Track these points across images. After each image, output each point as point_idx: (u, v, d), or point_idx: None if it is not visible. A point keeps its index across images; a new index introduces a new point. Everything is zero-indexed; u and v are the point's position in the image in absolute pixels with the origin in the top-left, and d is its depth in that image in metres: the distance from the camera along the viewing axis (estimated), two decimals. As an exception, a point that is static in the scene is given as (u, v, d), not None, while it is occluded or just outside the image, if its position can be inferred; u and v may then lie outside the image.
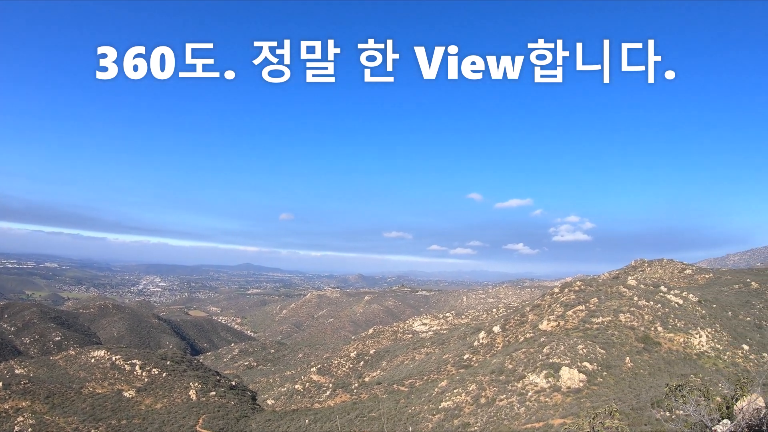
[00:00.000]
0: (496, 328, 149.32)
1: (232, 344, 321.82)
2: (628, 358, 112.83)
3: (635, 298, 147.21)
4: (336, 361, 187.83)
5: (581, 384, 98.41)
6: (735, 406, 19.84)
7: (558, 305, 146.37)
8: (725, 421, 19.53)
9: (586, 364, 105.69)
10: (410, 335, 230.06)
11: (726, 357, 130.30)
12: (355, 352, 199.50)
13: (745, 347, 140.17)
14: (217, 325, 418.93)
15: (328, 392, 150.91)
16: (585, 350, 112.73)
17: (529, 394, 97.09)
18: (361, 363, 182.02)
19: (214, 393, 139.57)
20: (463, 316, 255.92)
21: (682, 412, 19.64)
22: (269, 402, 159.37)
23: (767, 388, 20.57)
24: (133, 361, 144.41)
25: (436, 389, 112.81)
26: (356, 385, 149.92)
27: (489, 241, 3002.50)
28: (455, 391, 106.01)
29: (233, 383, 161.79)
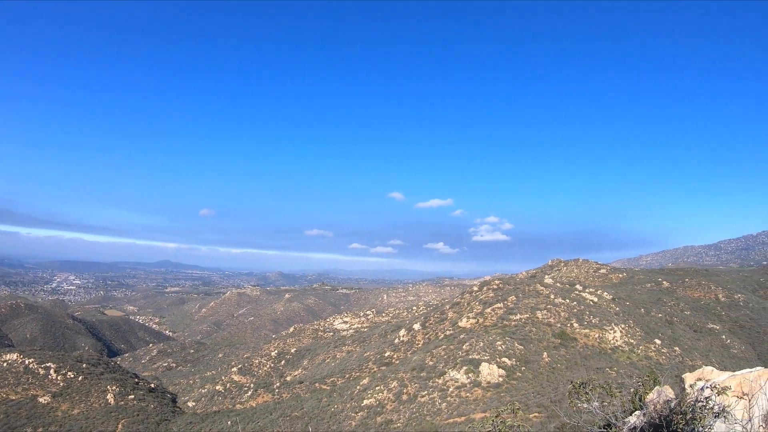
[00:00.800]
0: (417, 326, 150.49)
1: (151, 345, 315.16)
2: (545, 353, 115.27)
3: (552, 296, 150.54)
4: (257, 361, 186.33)
5: (501, 379, 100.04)
6: (646, 398, 20.87)
7: (477, 303, 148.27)
8: (637, 412, 20.53)
9: (505, 359, 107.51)
10: (331, 333, 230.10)
11: (639, 351, 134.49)
12: (276, 351, 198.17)
13: (657, 342, 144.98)
14: (135, 324, 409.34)
15: (250, 392, 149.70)
16: (504, 346, 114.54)
17: (450, 389, 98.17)
18: (283, 362, 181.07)
19: (132, 396, 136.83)
20: (383, 314, 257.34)
21: (586, 407, 20.39)
22: (190, 404, 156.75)
23: (678, 379, 21.58)
24: (48, 365, 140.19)
25: (358, 387, 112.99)
26: (278, 384, 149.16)
27: (409, 240, 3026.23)
28: (377, 388, 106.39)
29: (152, 386, 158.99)
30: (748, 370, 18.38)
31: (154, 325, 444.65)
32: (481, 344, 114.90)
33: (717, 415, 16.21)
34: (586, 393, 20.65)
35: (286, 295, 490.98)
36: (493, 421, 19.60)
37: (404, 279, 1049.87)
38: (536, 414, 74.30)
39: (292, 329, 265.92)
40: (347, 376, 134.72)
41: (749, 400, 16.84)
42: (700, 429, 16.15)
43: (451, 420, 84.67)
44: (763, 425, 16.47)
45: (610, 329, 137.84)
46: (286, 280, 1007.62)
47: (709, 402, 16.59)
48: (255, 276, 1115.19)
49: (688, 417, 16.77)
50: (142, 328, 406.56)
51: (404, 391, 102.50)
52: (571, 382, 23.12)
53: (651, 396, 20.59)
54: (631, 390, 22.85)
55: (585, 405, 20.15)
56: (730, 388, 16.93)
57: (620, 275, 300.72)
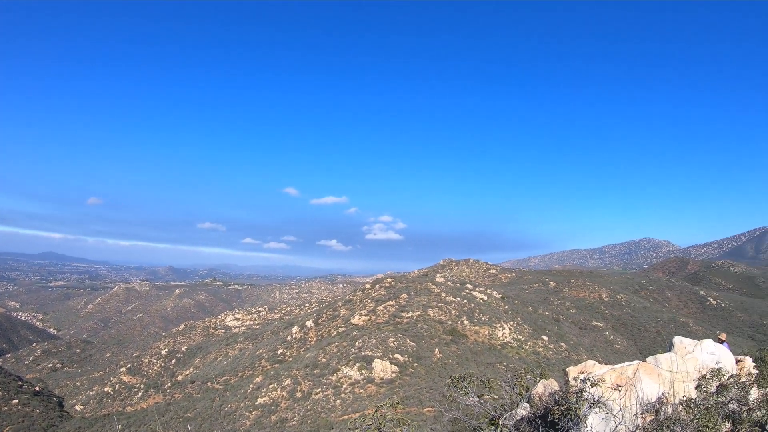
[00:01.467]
0: (309, 323, 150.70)
1: (34, 344, 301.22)
2: (437, 349, 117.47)
3: (443, 295, 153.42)
4: (147, 360, 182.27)
5: (394, 375, 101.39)
6: (533, 391, 22.00)
7: (370, 301, 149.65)
8: (524, 404, 21.64)
9: (398, 356, 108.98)
10: (223, 330, 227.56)
11: (528, 347, 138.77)
12: (167, 350, 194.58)
13: (545, 338, 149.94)
14: (17, 322, 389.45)
15: (140, 394, 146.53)
16: (396, 343, 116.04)
17: (344, 386, 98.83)
18: (173, 361, 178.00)
19: (16, 401, 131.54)
20: (276, 311, 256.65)
21: (465, 401, 21.13)
22: (78, 408, 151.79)
23: (563, 373, 22.78)
24: None
25: (252, 385, 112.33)
26: (169, 384, 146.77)
27: (303, 236, 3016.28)
28: (271, 386, 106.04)
29: (37, 389, 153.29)
30: (627, 363, 19.70)
31: (38, 323, 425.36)
32: (374, 341, 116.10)
33: (591, 406, 17.31)
34: (465, 387, 21.43)
35: (177, 291, 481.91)
36: (373, 415, 20.19)
37: (297, 276, 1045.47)
38: (429, 408, 75.89)
39: (182, 326, 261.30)
40: (240, 374, 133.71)
41: (624, 391, 18.10)
42: (575, 418, 17.22)
43: (345, 416, 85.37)
44: (642, 414, 17.75)
45: (500, 326, 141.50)
46: (177, 275, 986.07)
47: (583, 393, 17.71)
48: (144, 270, 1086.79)
49: (563, 408, 17.87)
50: (24, 326, 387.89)
51: (298, 388, 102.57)
52: (450, 377, 23.97)
53: (538, 389, 21.74)
54: (522, 383, 23.97)
55: (463, 398, 20.96)
56: (604, 381, 18.14)
57: (509, 275, 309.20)
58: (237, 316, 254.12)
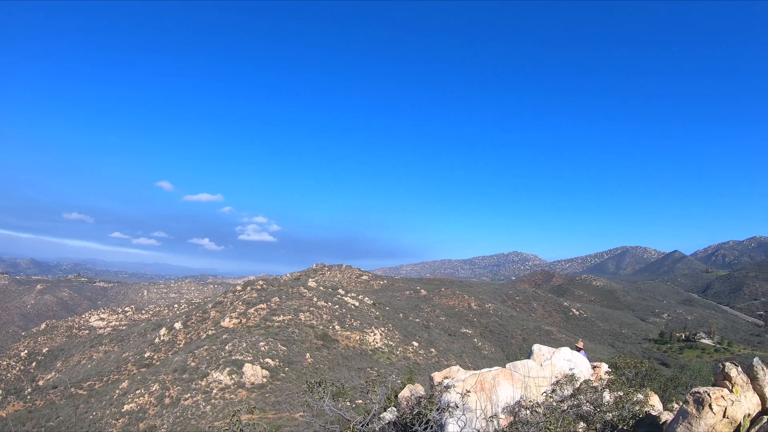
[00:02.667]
0: (178, 325, 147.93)
1: None
2: (308, 354, 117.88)
3: (315, 299, 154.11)
4: (4, 363, 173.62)
5: (265, 380, 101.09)
6: (400, 395, 22.77)
7: (240, 303, 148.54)
8: (391, 408, 22.38)
9: (269, 360, 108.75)
10: (87, 331, 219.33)
11: (398, 352, 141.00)
12: (26, 351, 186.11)
13: (415, 344, 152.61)
14: None
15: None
16: (267, 347, 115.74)
17: (214, 391, 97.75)
18: (34, 364, 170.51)
19: None
20: (143, 312, 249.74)
21: (324, 407, 21.51)
22: None
23: (429, 378, 23.68)
24: None
25: (118, 391, 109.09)
26: (29, 390, 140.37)
27: (175, 233, 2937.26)
28: (138, 392, 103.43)
29: None
30: (487, 369, 20.77)
31: None
32: (244, 345, 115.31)
33: (441, 410, 18.21)
34: (320, 392, 21.84)
35: (39, 286, 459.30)
36: (230, 420, 20.41)
37: (167, 274, 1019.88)
38: (301, 414, 76.13)
39: (44, 326, 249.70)
40: (105, 379, 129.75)
41: (484, 395, 19.09)
42: (428, 421, 18.08)
43: (217, 423, 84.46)
44: (499, 417, 18.75)
45: (371, 332, 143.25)
46: (39, 269, 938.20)
47: (434, 398, 18.66)
48: (3, 262, 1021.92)
49: (414, 412, 18.77)
50: None
51: (166, 394, 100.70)
52: (306, 382, 24.36)
53: (404, 393, 22.54)
54: (391, 387, 24.70)
55: (318, 403, 21.37)
56: (454, 386, 19.10)
57: (381, 282, 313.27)
58: (102, 315, 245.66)
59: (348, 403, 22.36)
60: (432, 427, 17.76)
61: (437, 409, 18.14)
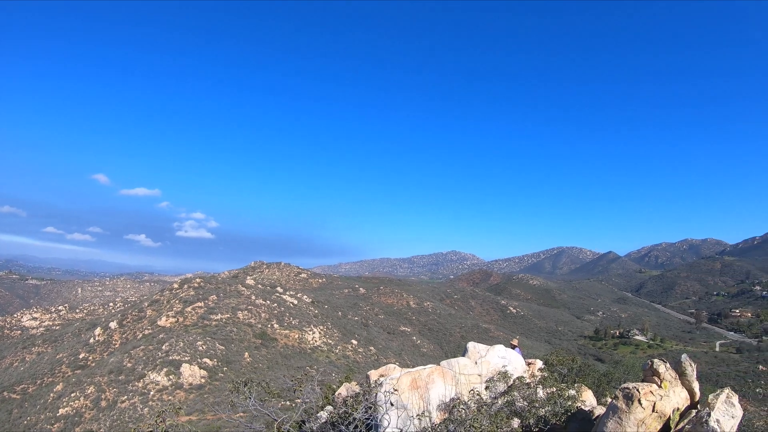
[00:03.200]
0: (114, 324, 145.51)
1: None
2: (247, 353, 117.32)
3: (253, 297, 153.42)
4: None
5: (203, 380, 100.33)
6: (337, 394, 23.06)
7: (177, 301, 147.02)
8: (328, 407, 22.65)
9: (207, 360, 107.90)
10: (19, 332, 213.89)
11: (338, 350, 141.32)
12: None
13: (354, 342, 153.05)
14: None
15: None
16: (205, 346, 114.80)
17: (152, 393, 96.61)
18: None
19: None
20: (78, 311, 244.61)
21: (251, 407, 21.51)
22: None
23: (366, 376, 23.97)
24: None
25: (52, 394, 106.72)
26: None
27: (110, 228, 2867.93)
28: (73, 395, 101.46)
29: None
30: (422, 367, 21.17)
31: None
32: (182, 344, 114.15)
33: (367, 408, 18.52)
34: (246, 392, 21.85)
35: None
36: (155, 421, 20.35)
37: (102, 272, 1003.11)
38: (241, 414, 75.64)
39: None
40: (39, 381, 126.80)
41: (418, 393, 19.45)
42: (354, 419, 18.35)
43: (141, 425, 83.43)
44: (437, 413, 19.15)
45: (310, 330, 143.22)
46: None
47: (359, 398, 18.97)
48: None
49: (341, 411, 19.08)
50: None
51: (103, 396, 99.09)
52: (232, 381, 24.38)
53: (341, 392, 22.84)
54: (332, 386, 24.99)
55: (244, 402, 21.38)
56: (388, 384, 19.40)
57: (320, 280, 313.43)
58: (35, 315, 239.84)
59: (288, 403, 22.55)
60: (358, 426, 17.98)
61: (364, 408, 18.39)
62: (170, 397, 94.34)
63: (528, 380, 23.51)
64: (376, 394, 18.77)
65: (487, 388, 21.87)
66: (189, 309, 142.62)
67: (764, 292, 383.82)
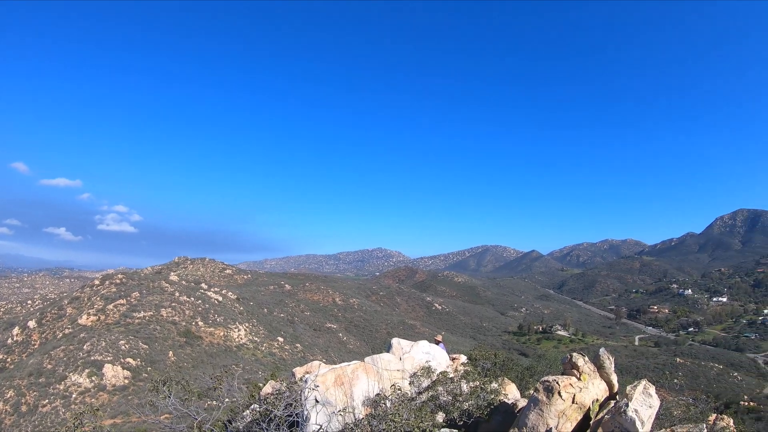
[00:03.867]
0: (32, 323, 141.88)
1: None
2: (171, 352, 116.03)
3: (177, 294, 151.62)
4: None
5: (126, 381, 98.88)
6: (263, 392, 23.21)
7: (99, 298, 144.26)
8: (254, 405, 22.78)
9: (130, 360, 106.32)
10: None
11: (264, 348, 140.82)
12: None
13: (280, 339, 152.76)
14: None
15: None
16: (128, 346, 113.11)
17: (74, 396, 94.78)
18: None
19: None
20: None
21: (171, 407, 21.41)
22: None
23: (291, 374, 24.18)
24: None
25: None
26: None
27: (29, 221, 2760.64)
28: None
29: None
30: (347, 363, 21.50)
31: None
32: (104, 344, 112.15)
33: (287, 406, 18.79)
34: (165, 391, 21.75)
35: None
36: (73, 422, 20.18)
37: (19, 267, 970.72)
38: (167, 415, 74.76)
39: None
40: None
41: (342, 389, 19.78)
42: (275, 417, 18.57)
43: (78, 430, 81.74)
44: (362, 409, 19.50)
45: (235, 328, 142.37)
46: None
47: (281, 395, 19.25)
48: None
49: (261, 410, 19.32)
50: None
51: (23, 401, 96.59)
52: (152, 380, 24.27)
53: (266, 389, 23.00)
54: (258, 384, 25.10)
55: (164, 402, 21.33)
56: (304, 381, 19.72)
57: (245, 276, 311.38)
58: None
59: (214, 403, 22.43)
60: (280, 424, 18.16)
61: (284, 405, 18.61)
62: (93, 400, 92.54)
63: (452, 375, 24.10)
64: (300, 391, 19.01)
65: (411, 383, 22.40)
66: (111, 306, 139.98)
67: (681, 290, 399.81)
